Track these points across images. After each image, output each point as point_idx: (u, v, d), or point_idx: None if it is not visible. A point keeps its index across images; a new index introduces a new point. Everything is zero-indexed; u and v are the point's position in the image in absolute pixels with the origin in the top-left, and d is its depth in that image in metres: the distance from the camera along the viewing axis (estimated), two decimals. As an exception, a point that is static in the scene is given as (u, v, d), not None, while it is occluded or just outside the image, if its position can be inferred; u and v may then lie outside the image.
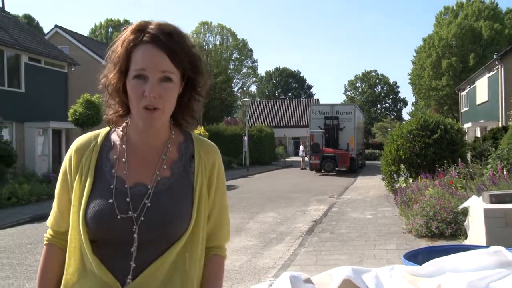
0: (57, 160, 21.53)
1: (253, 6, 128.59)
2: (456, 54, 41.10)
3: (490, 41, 40.76)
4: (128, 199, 1.37)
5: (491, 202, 6.01)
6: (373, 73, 76.83)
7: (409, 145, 12.92)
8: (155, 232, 1.35)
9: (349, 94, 76.68)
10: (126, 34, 1.37)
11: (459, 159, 11.72)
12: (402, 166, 12.56)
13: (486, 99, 27.10)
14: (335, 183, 20.44)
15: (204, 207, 1.46)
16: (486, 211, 5.77)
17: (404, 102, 77.57)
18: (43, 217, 11.30)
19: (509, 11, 44.33)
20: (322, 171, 26.19)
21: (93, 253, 1.36)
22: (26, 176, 16.67)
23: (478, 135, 25.11)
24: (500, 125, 22.04)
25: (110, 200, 1.37)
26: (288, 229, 9.72)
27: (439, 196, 8.48)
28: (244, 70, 54.40)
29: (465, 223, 6.74)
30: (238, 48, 52.10)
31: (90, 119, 18.09)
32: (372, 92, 75.26)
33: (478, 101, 29.15)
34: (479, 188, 8.72)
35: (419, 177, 11.47)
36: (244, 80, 55.27)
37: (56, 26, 30.11)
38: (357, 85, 77.12)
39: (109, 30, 55.95)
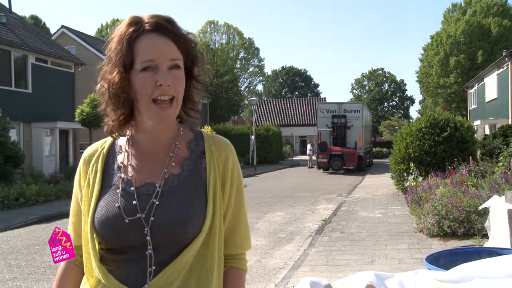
0: (64, 160, 21.60)
1: (259, 5, 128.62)
2: (464, 51, 40.76)
3: (499, 38, 40.34)
4: (135, 202, 1.29)
5: None
6: (380, 71, 76.38)
7: (418, 143, 12.80)
8: (166, 232, 1.26)
9: (356, 92, 76.35)
10: (122, 29, 1.30)
11: (470, 157, 11.59)
12: (411, 164, 12.44)
13: (496, 96, 26.87)
14: (343, 181, 20.33)
15: (220, 207, 1.34)
16: (511, 212, 5.61)
17: (411, 100, 77.12)
18: (51, 218, 11.33)
19: (518, 7, 43.91)
20: (330, 169, 26.17)
21: (101, 262, 1.30)
22: (33, 176, 16.72)
23: (487, 132, 24.88)
24: (510, 122, 21.83)
25: (117, 204, 1.30)
26: (297, 229, 9.63)
27: (450, 195, 8.36)
28: (251, 69, 54.31)
29: (486, 224, 6.52)
30: (245, 47, 51.98)
31: (97, 119, 18.07)
32: (379, 90, 74.81)
33: (487, 99, 28.91)
34: (492, 187, 8.60)
35: (429, 175, 11.34)
36: (250, 79, 55.19)
37: (62, 26, 30.20)
38: (364, 83, 76.76)
39: (115, 30, 56.06)
